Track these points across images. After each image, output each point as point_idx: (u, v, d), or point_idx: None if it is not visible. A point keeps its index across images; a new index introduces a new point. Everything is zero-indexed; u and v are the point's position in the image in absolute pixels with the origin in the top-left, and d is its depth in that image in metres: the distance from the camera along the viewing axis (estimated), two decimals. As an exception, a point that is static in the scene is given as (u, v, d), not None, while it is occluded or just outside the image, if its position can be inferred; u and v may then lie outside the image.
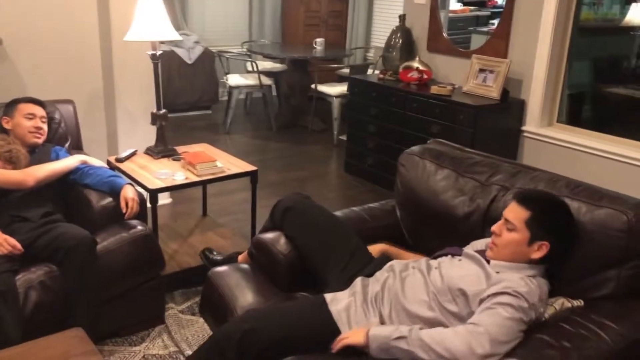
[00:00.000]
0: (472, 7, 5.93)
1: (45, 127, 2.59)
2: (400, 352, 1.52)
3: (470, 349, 1.43)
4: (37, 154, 2.53)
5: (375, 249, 2.06)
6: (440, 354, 1.46)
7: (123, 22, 3.04)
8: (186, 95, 6.27)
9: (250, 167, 2.90)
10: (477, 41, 4.39)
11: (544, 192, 1.82)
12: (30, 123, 2.53)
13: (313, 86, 5.80)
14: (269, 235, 2.10)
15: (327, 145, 5.65)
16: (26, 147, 2.49)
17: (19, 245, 2.14)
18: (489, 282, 1.62)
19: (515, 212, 1.68)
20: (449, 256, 1.82)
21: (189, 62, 6.21)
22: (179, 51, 6.13)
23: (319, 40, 6.17)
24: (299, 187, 4.37)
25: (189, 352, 2.34)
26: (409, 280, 1.75)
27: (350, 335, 1.62)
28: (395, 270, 1.82)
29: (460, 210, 2.03)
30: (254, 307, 1.89)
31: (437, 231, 2.13)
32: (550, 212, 1.69)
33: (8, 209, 2.32)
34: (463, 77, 4.14)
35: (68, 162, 2.51)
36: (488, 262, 1.70)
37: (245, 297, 1.97)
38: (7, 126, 2.54)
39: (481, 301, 1.57)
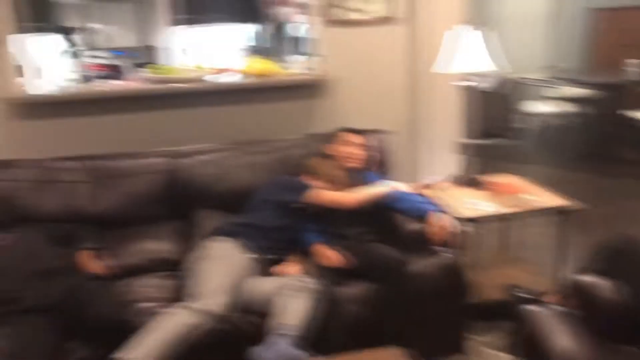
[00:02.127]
0: None
1: (360, 153, 2.82)
2: None
3: None
4: (356, 179, 2.76)
5: None
6: None
7: (429, 58, 3.15)
8: (485, 124, 6.21)
9: (562, 202, 2.71)
10: None
11: None
12: (346, 149, 2.79)
13: (625, 112, 5.20)
14: (593, 279, 1.91)
15: (641, 178, 4.99)
16: (345, 171, 2.75)
17: (343, 260, 2.36)
18: None
19: None
20: None
21: (487, 90, 6.16)
22: (477, 80, 6.12)
23: (633, 61, 5.52)
24: (609, 226, 3.93)
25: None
26: None
27: None
28: None
29: None
30: (571, 355, 1.74)
31: None
32: None
33: (330, 226, 2.59)
34: None
35: (383, 188, 2.68)
36: None
37: (561, 341, 1.83)
38: (329, 152, 2.85)
39: None
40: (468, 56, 2.82)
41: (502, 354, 2.45)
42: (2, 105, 2.99)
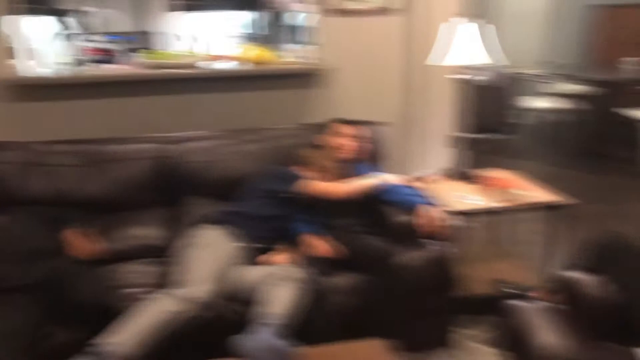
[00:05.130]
0: None
1: (352, 144, 2.80)
2: None
3: None
4: (347, 170, 2.75)
5: None
6: None
7: (425, 50, 3.13)
8: (479, 118, 6.20)
9: (554, 198, 2.71)
10: None
11: None
12: (338, 140, 2.78)
13: (619, 110, 5.20)
14: (580, 276, 1.92)
15: (634, 177, 4.99)
16: (336, 162, 2.74)
17: (332, 250, 2.36)
18: None
19: None
20: None
21: (485, 84, 6.14)
22: (473, 73, 6.11)
23: (629, 59, 5.52)
24: (602, 222, 3.94)
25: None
26: None
27: None
28: None
29: None
30: (555, 351, 1.75)
31: None
32: None
33: (320, 217, 2.58)
34: None
35: (373, 179, 2.67)
36: None
37: (546, 337, 1.83)
38: (321, 143, 2.83)
39: None
40: (463, 49, 2.80)
41: (487, 348, 2.45)
42: (-6, 86, 2.97)
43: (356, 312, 2.26)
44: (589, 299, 1.84)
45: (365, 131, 2.96)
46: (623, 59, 5.59)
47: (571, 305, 1.91)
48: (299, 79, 3.37)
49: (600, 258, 1.86)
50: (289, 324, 1.96)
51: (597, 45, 6.68)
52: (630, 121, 5.12)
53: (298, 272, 2.15)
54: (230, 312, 2.15)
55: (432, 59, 2.95)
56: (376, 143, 3.03)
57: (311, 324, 2.12)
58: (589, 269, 1.91)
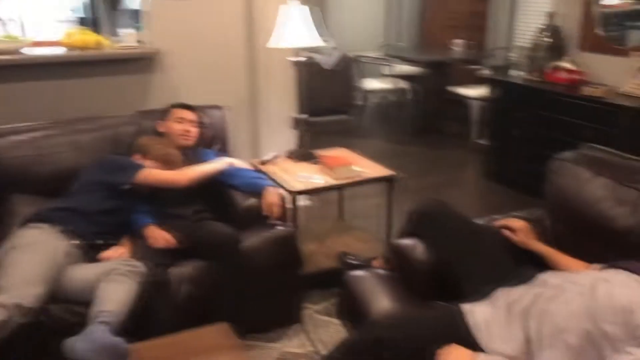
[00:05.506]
0: (631, 0, 5.40)
1: (194, 130, 2.76)
2: None
3: None
4: (190, 156, 2.70)
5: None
6: None
7: (266, 31, 3.15)
8: (324, 100, 6.40)
9: (387, 172, 2.88)
10: (636, 37, 3.99)
11: None
12: (180, 126, 2.71)
13: (451, 89, 5.65)
14: (407, 242, 2.06)
15: (465, 150, 5.47)
16: (178, 149, 2.68)
17: (173, 240, 2.31)
18: None
19: None
20: (627, 272, 1.60)
21: (327, 67, 6.33)
22: (318, 57, 6.28)
23: (457, 41, 6.01)
24: (436, 193, 4.27)
25: (324, 352, 2.37)
26: (565, 295, 1.58)
27: None
28: (549, 284, 1.68)
29: (620, 223, 1.85)
30: (389, 314, 1.87)
31: (592, 244, 1.95)
32: None
33: (163, 207, 2.51)
34: (620, 77, 3.79)
35: (217, 164, 2.65)
36: None
37: (381, 302, 1.95)
38: (161, 129, 2.74)
39: None
40: (296, 32, 2.86)
41: (333, 320, 2.56)
42: None
43: (203, 300, 2.24)
44: (413, 263, 1.99)
45: (207, 116, 2.93)
46: (453, 40, 6.06)
47: (402, 271, 2.06)
48: (134, 64, 3.23)
49: (421, 224, 2.02)
50: (125, 320, 1.89)
51: (430, 28, 7.18)
52: (461, 98, 5.58)
53: (138, 266, 2.07)
54: (68, 314, 2.01)
55: (272, 42, 2.97)
56: (219, 127, 3.00)
57: (155, 316, 2.06)
58: (414, 234, 2.06)
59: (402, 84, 5.95)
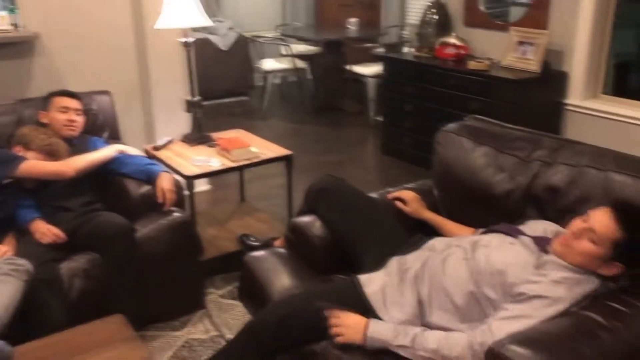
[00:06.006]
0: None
1: (80, 119, 2.61)
2: (400, 355, 1.53)
3: None
4: (77, 146, 2.57)
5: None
6: None
7: (155, 12, 3.04)
8: (222, 82, 6.29)
9: (285, 152, 2.89)
10: (515, 13, 4.25)
11: None
12: (64, 116, 2.56)
13: (347, 67, 5.74)
14: (304, 219, 2.09)
15: (364, 126, 5.60)
16: (62, 138, 2.53)
17: (62, 234, 2.20)
18: (534, 272, 1.55)
19: (606, 227, 1.52)
20: (501, 235, 1.73)
21: (224, 48, 6.22)
22: (213, 38, 6.15)
23: (352, 20, 6.10)
24: (336, 170, 4.34)
25: (230, 335, 2.36)
26: (451, 259, 1.69)
27: (346, 330, 1.59)
28: (437, 249, 1.78)
29: (500, 188, 1.97)
30: (290, 292, 1.89)
31: (476, 210, 2.07)
32: None
33: (50, 200, 2.37)
34: (501, 51, 4.02)
35: (106, 152, 2.54)
36: (546, 252, 1.62)
37: (281, 281, 1.96)
38: (44, 120, 2.58)
39: (516, 295, 1.51)
40: (185, 12, 2.77)
41: (237, 303, 2.56)
42: None
43: (99, 294, 2.15)
44: (311, 239, 2.02)
45: (92, 102, 2.79)
46: (348, 19, 6.14)
47: (300, 248, 2.08)
48: (10, 48, 3.02)
49: (317, 200, 2.05)
50: (11, 322, 1.78)
51: (325, 8, 7.23)
52: (357, 76, 5.68)
53: (23, 264, 1.94)
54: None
55: (161, 23, 2.86)
56: (107, 113, 2.87)
57: (47, 314, 1.96)
58: (311, 211, 2.09)
59: (300, 64, 5.96)
